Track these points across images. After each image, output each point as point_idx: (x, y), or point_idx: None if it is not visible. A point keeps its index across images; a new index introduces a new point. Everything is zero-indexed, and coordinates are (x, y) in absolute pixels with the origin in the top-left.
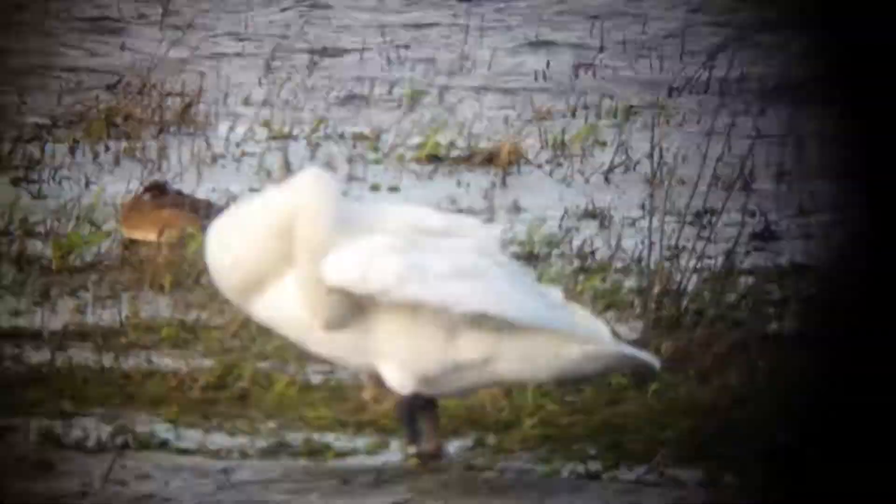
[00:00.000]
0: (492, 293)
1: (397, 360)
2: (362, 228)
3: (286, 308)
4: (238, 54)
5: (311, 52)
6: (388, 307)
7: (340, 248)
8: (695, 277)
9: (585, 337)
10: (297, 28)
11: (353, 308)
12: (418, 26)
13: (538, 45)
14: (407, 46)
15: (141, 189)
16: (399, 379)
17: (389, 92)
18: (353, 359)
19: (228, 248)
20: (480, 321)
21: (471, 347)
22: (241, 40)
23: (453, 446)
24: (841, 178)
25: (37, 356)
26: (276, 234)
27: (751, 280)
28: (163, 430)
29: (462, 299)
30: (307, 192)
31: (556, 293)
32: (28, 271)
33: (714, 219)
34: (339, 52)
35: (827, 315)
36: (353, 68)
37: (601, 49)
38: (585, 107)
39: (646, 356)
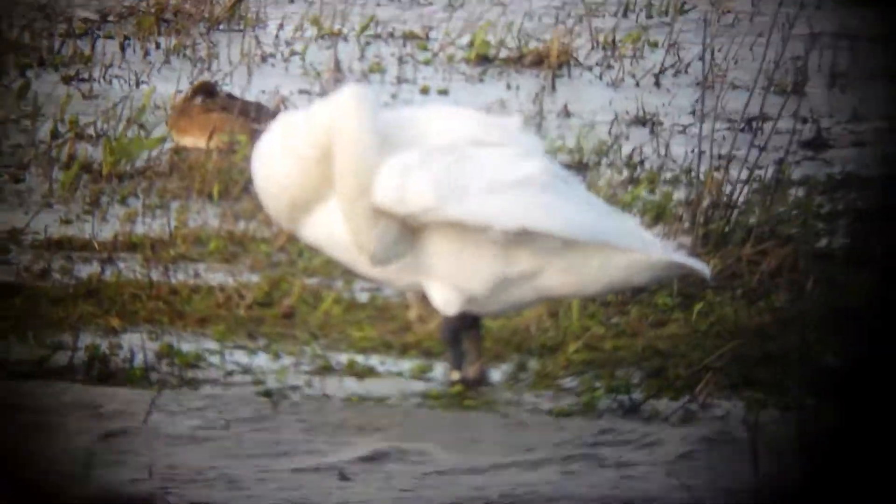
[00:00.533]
0: (535, 207)
1: (443, 278)
2: (403, 142)
3: (333, 231)
4: None
5: None
6: (432, 225)
7: (380, 169)
8: (745, 189)
9: (635, 246)
10: None
11: (399, 233)
12: None
13: None
14: None
15: (190, 91)
16: (445, 298)
17: None
18: (399, 279)
19: (272, 172)
20: (526, 235)
21: (518, 262)
22: None
23: (496, 372)
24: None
25: (86, 268)
26: (318, 157)
27: (801, 192)
28: (209, 351)
29: (503, 215)
30: (345, 111)
31: (602, 202)
32: (79, 175)
33: (765, 125)
34: None
35: (880, 230)
36: None
37: None
38: (635, 6)
39: (696, 263)
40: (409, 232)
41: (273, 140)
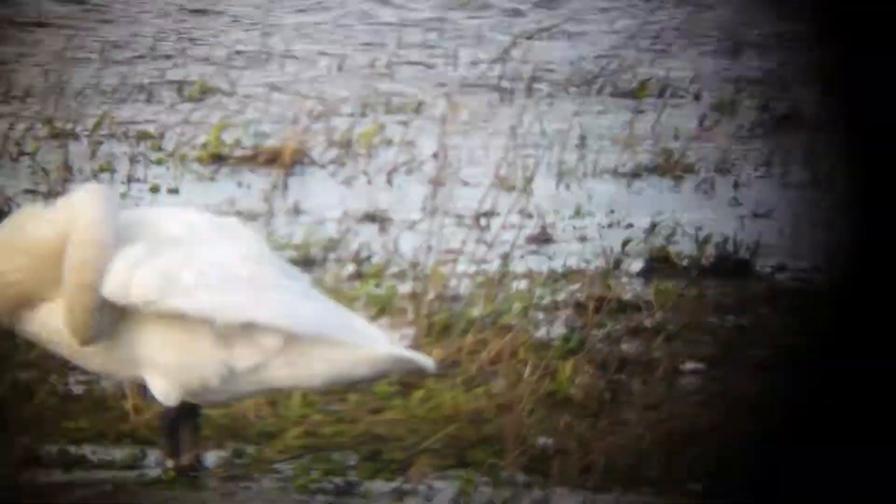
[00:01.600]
0: (258, 301)
1: (164, 370)
2: (134, 239)
3: (56, 324)
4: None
5: (103, 43)
6: (155, 318)
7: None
8: (469, 282)
9: (359, 341)
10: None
11: (119, 318)
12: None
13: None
14: (194, 41)
15: None
16: (165, 390)
17: (179, 90)
18: (119, 370)
19: (0, 271)
20: (250, 329)
21: (240, 355)
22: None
23: (212, 457)
24: (619, 178)
25: None
26: (52, 255)
27: (524, 284)
28: None
29: (228, 309)
30: (85, 209)
31: (327, 298)
32: None
33: (492, 221)
34: (126, 46)
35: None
36: (141, 63)
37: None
38: (374, 106)
39: (420, 357)
40: (126, 318)
41: (2, 236)
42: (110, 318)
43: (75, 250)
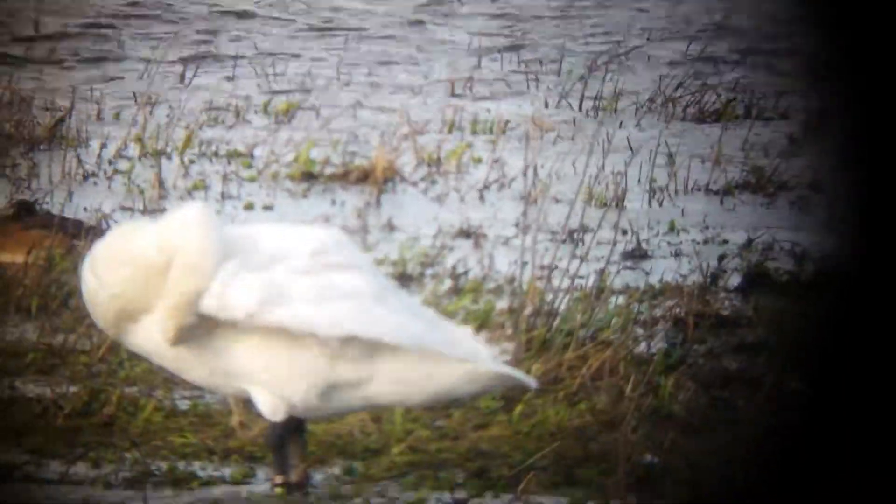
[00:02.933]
0: (362, 314)
1: (268, 384)
2: (230, 254)
3: (157, 337)
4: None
5: (184, 61)
6: (258, 333)
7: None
8: (567, 297)
9: (462, 357)
10: (170, 40)
11: (220, 331)
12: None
13: (415, 60)
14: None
15: (8, 209)
16: (270, 404)
17: (265, 108)
18: (223, 384)
19: (105, 282)
20: (353, 343)
21: (344, 371)
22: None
23: (320, 475)
24: (711, 195)
25: None
26: (156, 266)
27: (621, 299)
28: (24, 462)
29: (329, 322)
30: (192, 225)
31: (431, 312)
32: None
33: (587, 237)
34: (211, 64)
35: (697, 332)
36: (227, 83)
37: (478, 64)
38: (461, 125)
39: (523, 376)
40: (228, 333)
41: (108, 249)
42: (207, 330)
43: (180, 267)
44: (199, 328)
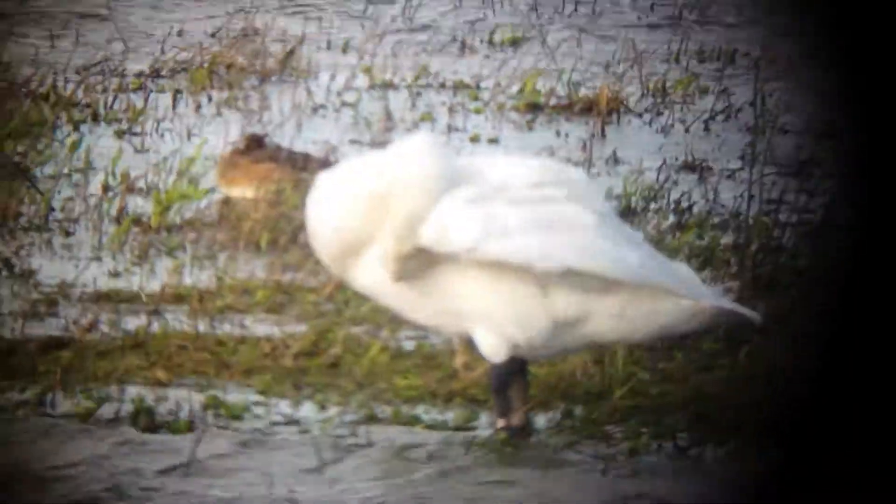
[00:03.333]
0: (580, 247)
1: (490, 324)
2: (454, 186)
3: (382, 276)
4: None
5: None
6: (478, 269)
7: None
8: (794, 233)
9: (683, 291)
10: None
11: (442, 267)
12: None
13: None
14: None
15: (239, 142)
16: (492, 345)
17: (490, 39)
18: (446, 324)
19: (329, 215)
20: (573, 277)
21: (564, 306)
22: None
23: (542, 418)
24: None
25: (133, 321)
26: (379, 203)
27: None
28: (254, 402)
29: (546, 254)
30: (416, 159)
31: (651, 248)
32: (127, 229)
33: (816, 170)
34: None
35: None
36: (451, 15)
37: None
38: (687, 52)
39: (746, 311)
40: (450, 270)
41: (331, 184)
42: (429, 266)
43: (401, 196)
44: (421, 263)
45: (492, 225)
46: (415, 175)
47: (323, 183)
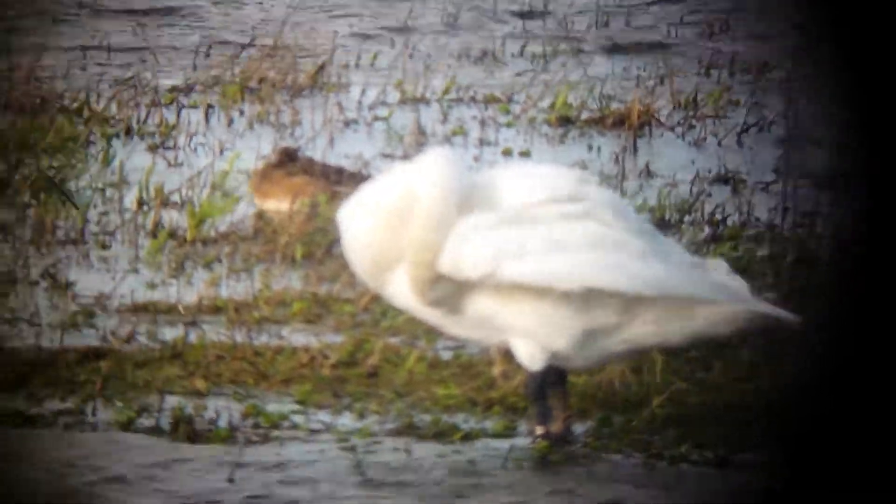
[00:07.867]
0: (599, 265)
1: (525, 335)
2: (479, 204)
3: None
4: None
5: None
6: (507, 288)
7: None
8: (829, 245)
9: (718, 297)
10: None
11: (468, 287)
12: None
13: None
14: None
15: (272, 156)
16: (530, 354)
17: (521, 52)
18: (483, 336)
19: (358, 231)
20: (603, 292)
21: (599, 316)
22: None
23: (581, 427)
24: None
25: (171, 331)
26: (402, 216)
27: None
28: (293, 410)
29: (565, 275)
30: (430, 174)
31: (681, 251)
32: (163, 242)
33: (849, 182)
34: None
35: None
36: (483, 29)
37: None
38: (718, 66)
39: (785, 314)
40: (478, 288)
41: (361, 200)
42: (454, 288)
43: (418, 218)
44: (449, 287)
45: (508, 248)
46: (428, 193)
47: (354, 199)
